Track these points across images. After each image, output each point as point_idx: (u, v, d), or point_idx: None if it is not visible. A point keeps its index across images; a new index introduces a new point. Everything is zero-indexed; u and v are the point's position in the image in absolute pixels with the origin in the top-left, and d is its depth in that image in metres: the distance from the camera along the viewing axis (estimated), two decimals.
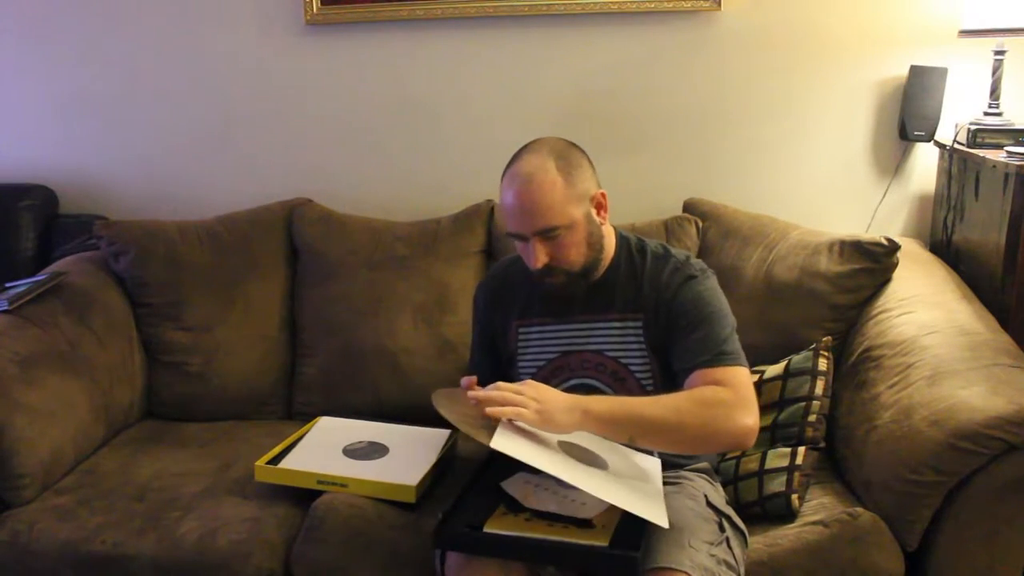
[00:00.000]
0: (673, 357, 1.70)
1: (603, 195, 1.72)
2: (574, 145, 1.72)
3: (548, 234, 1.65)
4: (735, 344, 1.67)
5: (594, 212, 1.70)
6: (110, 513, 1.89)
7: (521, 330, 1.82)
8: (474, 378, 1.61)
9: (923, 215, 2.48)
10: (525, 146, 1.70)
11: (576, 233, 1.66)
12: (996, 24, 2.13)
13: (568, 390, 1.73)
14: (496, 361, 1.89)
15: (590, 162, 1.72)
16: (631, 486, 1.55)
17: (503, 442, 1.46)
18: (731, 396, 1.58)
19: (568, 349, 1.78)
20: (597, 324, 1.76)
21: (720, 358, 1.63)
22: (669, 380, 1.72)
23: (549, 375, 1.78)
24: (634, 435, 1.57)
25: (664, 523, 1.48)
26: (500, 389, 1.52)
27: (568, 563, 1.54)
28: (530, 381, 1.56)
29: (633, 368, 1.74)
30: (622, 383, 1.74)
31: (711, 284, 1.74)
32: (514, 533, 1.51)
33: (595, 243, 1.71)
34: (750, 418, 1.57)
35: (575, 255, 1.68)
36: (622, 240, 1.80)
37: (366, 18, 2.56)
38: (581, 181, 1.67)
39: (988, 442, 1.57)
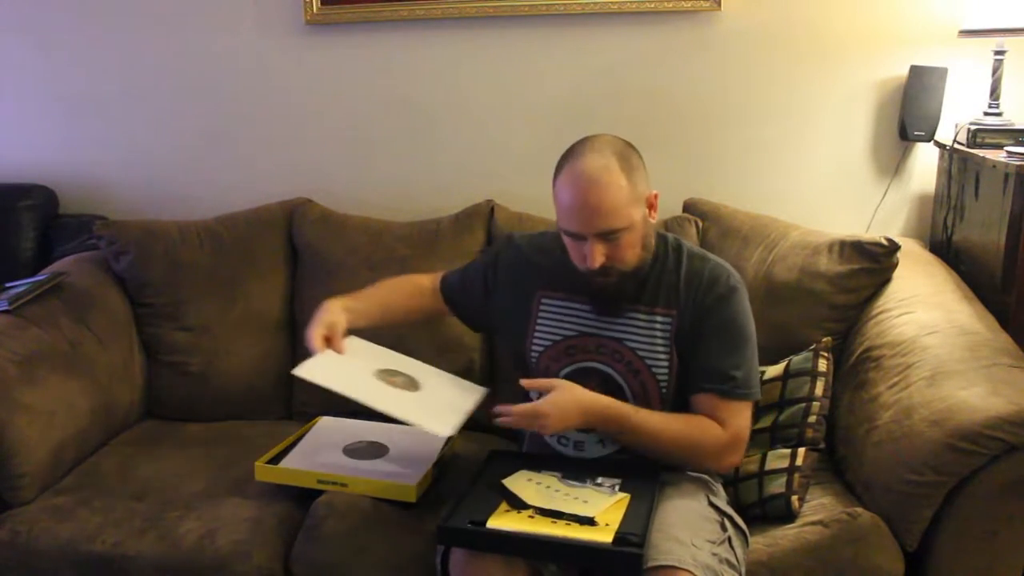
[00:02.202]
0: (690, 362, 1.72)
1: (655, 196, 1.71)
2: (631, 145, 1.71)
3: (608, 236, 1.63)
4: (750, 372, 1.72)
5: (647, 213, 1.70)
6: (110, 513, 1.89)
7: (544, 300, 1.81)
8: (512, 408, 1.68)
9: (923, 215, 2.48)
10: (583, 142, 1.68)
11: (634, 235, 1.66)
12: (996, 24, 2.13)
13: (578, 372, 1.76)
14: (465, 298, 1.94)
15: (643, 162, 1.71)
16: (430, 406, 1.66)
17: (310, 369, 1.64)
18: (725, 437, 1.68)
19: (586, 331, 1.77)
20: (623, 313, 1.75)
21: (731, 390, 1.69)
22: (685, 379, 1.74)
23: (562, 352, 1.78)
24: (626, 441, 1.70)
25: (442, 432, 1.69)
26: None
27: (572, 560, 1.54)
28: (560, 384, 1.64)
29: (650, 362, 1.73)
30: (636, 375, 1.74)
31: (746, 303, 1.75)
32: (518, 530, 1.51)
33: (647, 244, 1.72)
34: (735, 457, 1.73)
35: (631, 256, 1.68)
36: (659, 236, 1.79)
37: (366, 18, 2.56)
38: (640, 182, 1.66)
39: (988, 442, 1.57)
